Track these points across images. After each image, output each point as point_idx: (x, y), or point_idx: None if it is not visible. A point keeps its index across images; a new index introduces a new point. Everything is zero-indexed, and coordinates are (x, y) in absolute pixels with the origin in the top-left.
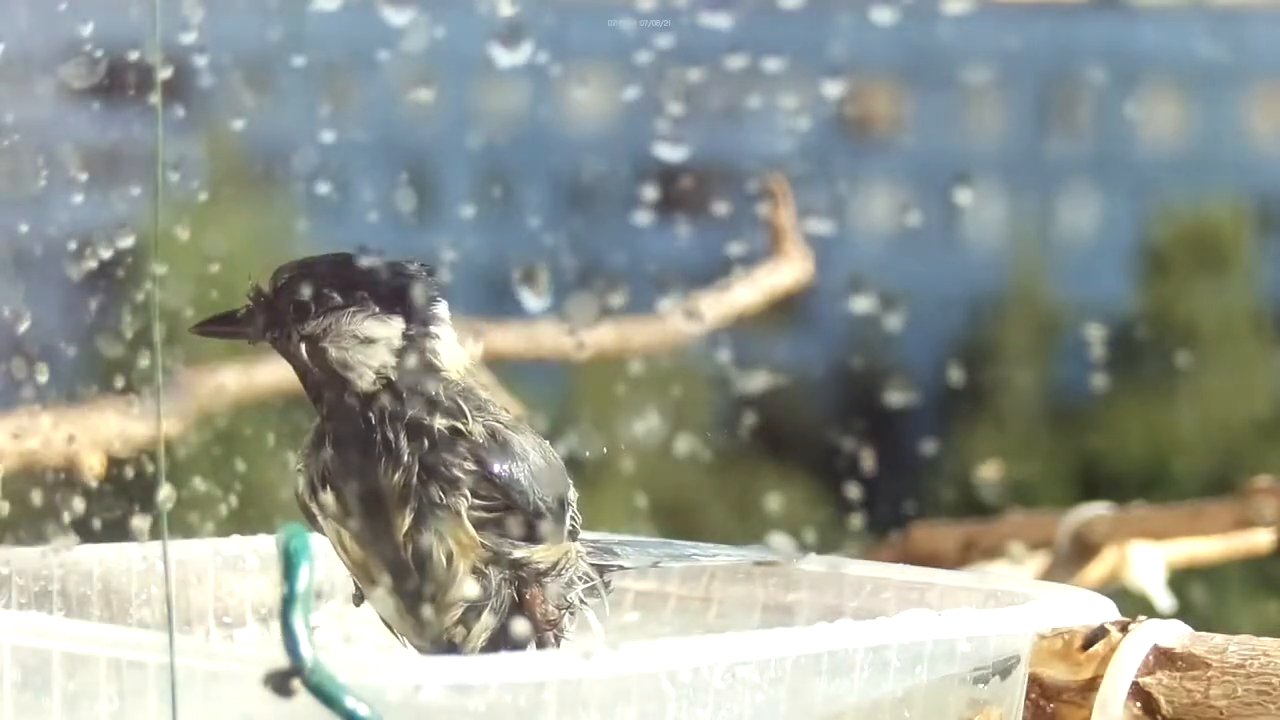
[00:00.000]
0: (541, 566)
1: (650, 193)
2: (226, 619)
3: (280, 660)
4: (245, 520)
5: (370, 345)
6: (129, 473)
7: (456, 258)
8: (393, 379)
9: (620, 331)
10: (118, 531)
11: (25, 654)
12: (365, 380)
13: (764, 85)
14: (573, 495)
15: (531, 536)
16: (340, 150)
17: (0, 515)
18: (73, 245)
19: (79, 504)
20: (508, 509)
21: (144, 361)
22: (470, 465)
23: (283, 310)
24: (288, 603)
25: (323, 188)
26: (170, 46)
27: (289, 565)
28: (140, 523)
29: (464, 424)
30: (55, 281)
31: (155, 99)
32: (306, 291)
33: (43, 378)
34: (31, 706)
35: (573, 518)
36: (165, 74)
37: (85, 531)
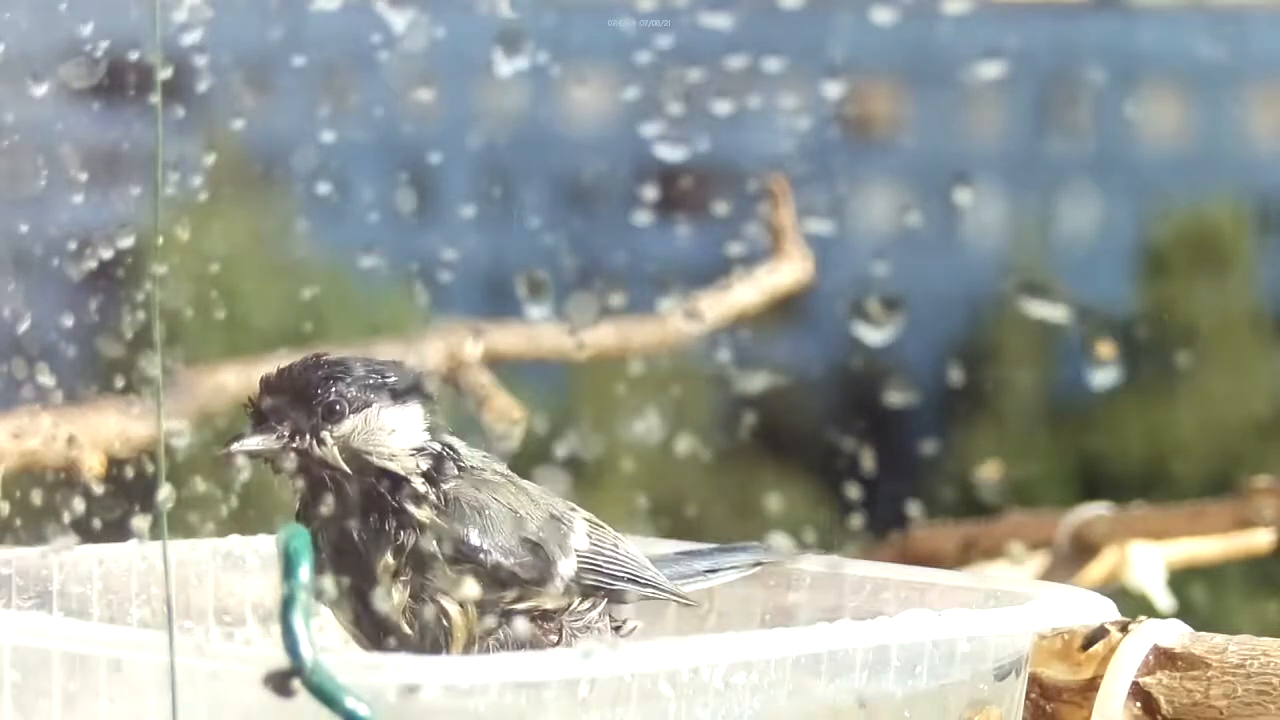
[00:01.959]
0: (542, 608)
1: (650, 193)
2: (226, 619)
3: (280, 660)
4: (245, 520)
5: (397, 434)
6: (129, 473)
7: (456, 258)
8: (416, 465)
9: (620, 331)
10: (118, 531)
11: (25, 654)
12: (408, 466)
13: (764, 85)
14: (580, 543)
15: (510, 585)
16: (340, 150)
17: (0, 515)
18: (73, 245)
19: (79, 504)
20: (476, 571)
21: (144, 361)
22: (444, 537)
23: (310, 415)
24: (288, 603)
25: (323, 188)
26: (170, 46)
27: (289, 565)
28: (140, 523)
29: (439, 498)
30: (55, 281)
31: (155, 99)
32: (329, 395)
33: (43, 378)
34: (31, 707)
35: (590, 568)
36: (165, 74)
37: (85, 531)
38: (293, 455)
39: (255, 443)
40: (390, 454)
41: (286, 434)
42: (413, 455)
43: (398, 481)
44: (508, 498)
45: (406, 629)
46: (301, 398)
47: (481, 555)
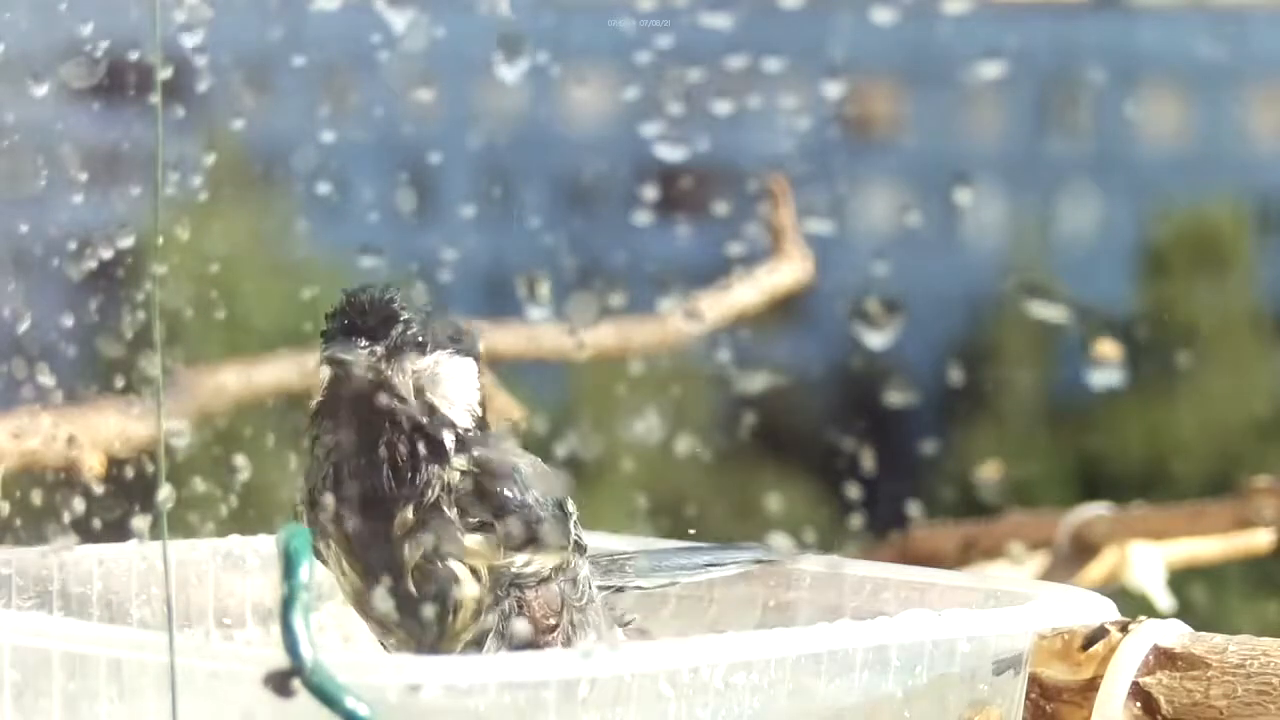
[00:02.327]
0: (544, 573)
1: (650, 193)
2: (226, 619)
3: (280, 660)
4: (245, 520)
5: (454, 385)
6: (129, 473)
7: (456, 258)
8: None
9: (620, 331)
10: (118, 531)
11: (25, 654)
12: (459, 417)
13: (764, 85)
14: (572, 508)
15: (527, 545)
16: (340, 150)
17: (0, 515)
18: (73, 245)
19: (79, 504)
20: (500, 526)
21: (144, 361)
22: (472, 497)
23: (398, 342)
24: (288, 603)
25: (323, 188)
26: (170, 46)
27: (289, 565)
28: (140, 523)
29: (468, 459)
30: (55, 281)
31: (155, 99)
32: (418, 327)
33: (43, 378)
34: (31, 707)
35: (577, 534)
36: (165, 74)
37: (85, 531)
38: (369, 375)
39: (354, 353)
40: (449, 401)
41: (381, 352)
42: (463, 408)
43: (442, 427)
44: (528, 466)
45: (412, 588)
46: (391, 324)
47: (519, 507)
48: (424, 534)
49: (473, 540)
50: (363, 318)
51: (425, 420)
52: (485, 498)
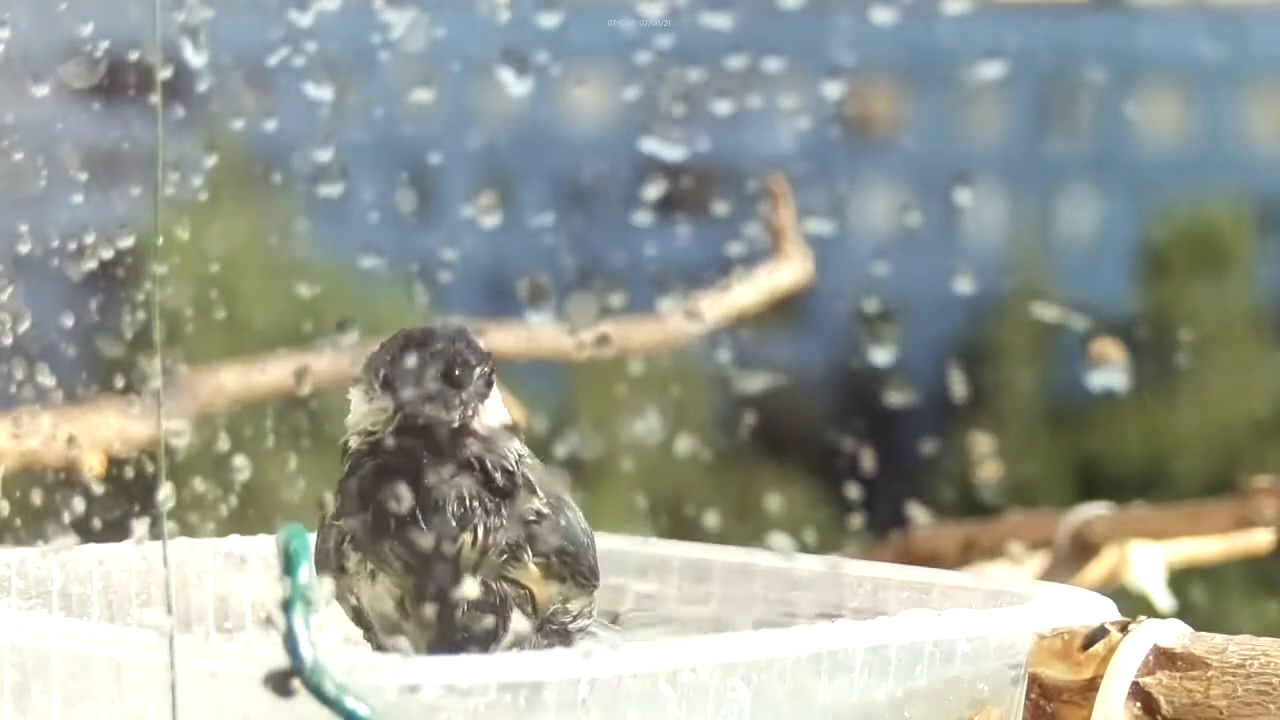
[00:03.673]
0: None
1: (650, 193)
2: (227, 619)
3: (280, 660)
4: (245, 520)
5: (499, 410)
6: (129, 473)
7: (456, 258)
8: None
9: (620, 331)
10: (118, 531)
11: (25, 654)
12: (517, 446)
13: (764, 85)
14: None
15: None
16: (340, 150)
17: (0, 515)
18: (73, 245)
19: (79, 504)
20: (571, 574)
21: (144, 362)
22: (543, 532)
23: (466, 387)
24: (288, 603)
25: (323, 188)
26: (170, 46)
27: (289, 565)
28: (140, 523)
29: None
30: (55, 281)
31: (155, 99)
32: (487, 366)
33: (43, 378)
34: (31, 707)
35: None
36: (165, 74)
37: (85, 531)
38: (453, 423)
39: (440, 411)
40: (510, 432)
41: (461, 401)
42: (509, 430)
43: (501, 456)
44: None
45: (463, 625)
46: (460, 366)
47: (574, 550)
48: (488, 567)
49: (532, 568)
50: (436, 364)
51: (501, 460)
52: (553, 533)
